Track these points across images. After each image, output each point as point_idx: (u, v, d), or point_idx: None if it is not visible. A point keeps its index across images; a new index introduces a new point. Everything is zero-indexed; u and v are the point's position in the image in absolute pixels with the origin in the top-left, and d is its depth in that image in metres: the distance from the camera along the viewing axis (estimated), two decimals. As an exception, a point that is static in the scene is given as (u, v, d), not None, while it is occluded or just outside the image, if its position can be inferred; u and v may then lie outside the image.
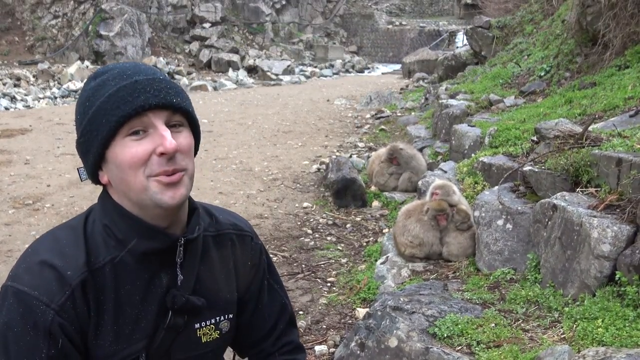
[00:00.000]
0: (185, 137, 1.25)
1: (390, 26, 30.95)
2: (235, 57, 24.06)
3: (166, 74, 1.30)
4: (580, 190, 3.12)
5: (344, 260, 4.63)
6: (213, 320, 1.39)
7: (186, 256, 1.32)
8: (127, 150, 1.19)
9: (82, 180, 1.33)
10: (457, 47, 19.50)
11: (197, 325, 1.36)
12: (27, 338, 1.16)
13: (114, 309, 1.24)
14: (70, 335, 1.19)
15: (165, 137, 1.19)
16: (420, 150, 6.94)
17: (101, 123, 1.19)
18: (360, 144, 9.09)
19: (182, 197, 1.24)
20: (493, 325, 2.56)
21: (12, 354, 1.16)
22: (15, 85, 17.07)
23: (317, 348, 3.25)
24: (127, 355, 1.27)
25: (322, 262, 4.60)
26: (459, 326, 2.55)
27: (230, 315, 1.44)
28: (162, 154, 1.19)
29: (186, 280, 1.33)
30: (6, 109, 14.08)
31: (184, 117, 1.26)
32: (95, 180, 1.29)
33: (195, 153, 1.35)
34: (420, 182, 5.14)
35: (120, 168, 1.21)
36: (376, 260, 4.23)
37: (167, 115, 1.22)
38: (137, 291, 1.27)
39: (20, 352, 1.16)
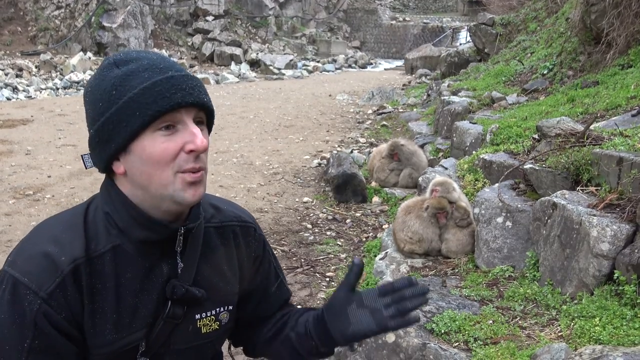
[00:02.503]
0: (206, 136, 1.27)
1: (393, 22, 30.85)
2: (237, 51, 24.02)
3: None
4: (581, 189, 3.12)
5: (343, 256, 4.63)
6: (213, 312, 1.39)
7: (187, 246, 1.32)
8: (158, 144, 1.18)
9: (86, 168, 1.31)
10: (460, 44, 19.44)
11: (197, 316, 1.36)
12: (13, 326, 1.15)
13: (114, 297, 1.24)
14: (58, 324, 1.18)
15: (196, 134, 1.20)
16: (422, 146, 6.93)
17: (134, 115, 1.17)
18: (362, 140, 9.09)
19: (201, 195, 1.27)
20: (491, 322, 2.57)
21: None
22: (17, 76, 17.06)
23: (315, 342, 3.26)
24: (127, 344, 1.26)
25: (321, 257, 4.61)
26: (457, 322, 2.55)
27: (230, 307, 1.44)
28: (191, 151, 1.20)
29: (186, 271, 1.33)
30: (8, 99, 14.08)
31: (205, 115, 1.28)
32: (106, 169, 1.27)
33: None
34: (420, 179, 5.14)
35: (147, 162, 1.19)
36: (375, 256, 4.23)
37: (195, 112, 1.23)
38: (137, 280, 1.26)
39: (4, 339, 1.15)
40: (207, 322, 1.38)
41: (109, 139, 1.21)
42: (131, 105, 1.17)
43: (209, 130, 1.33)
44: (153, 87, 1.18)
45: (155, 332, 1.29)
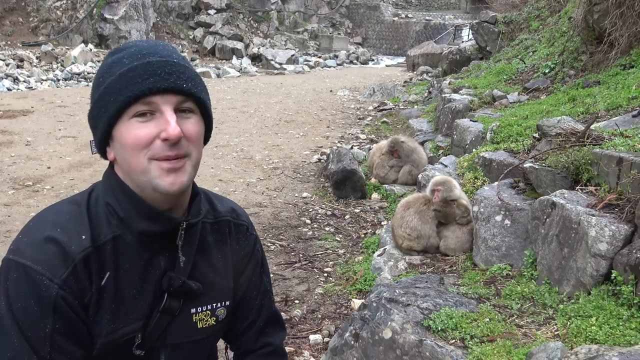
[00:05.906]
0: (193, 124, 1.23)
1: (395, 18, 30.77)
2: (239, 45, 23.97)
3: (184, 56, 1.27)
4: (580, 189, 3.12)
5: (341, 251, 4.63)
6: (209, 307, 1.39)
7: (185, 240, 1.32)
8: (132, 131, 1.18)
9: (92, 153, 1.32)
10: (462, 42, 19.41)
11: (193, 311, 1.36)
12: (32, 312, 1.15)
13: (113, 287, 1.24)
14: (75, 309, 1.19)
15: (169, 122, 1.17)
16: (422, 143, 6.92)
17: (109, 101, 1.19)
18: (362, 136, 9.08)
19: (181, 184, 1.22)
20: (487, 320, 2.57)
21: (20, 327, 1.15)
22: (18, 67, 17.03)
23: (312, 337, 3.26)
24: (123, 335, 1.26)
25: (319, 252, 4.61)
26: (454, 320, 2.56)
27: (227, 303, 1.44)
28: (165, 139, 1.18)
29: (184, 264, 1.33)
30: (8, 89, 14.06)
31: (195, 103, 1.24)
32: (103, 155, 1.29)
33: (206, 141, 1.34)
34: (420, 176, 5.14)
35: (124, 148, 1.20)
36: (373, 252, 4.24)
37: (176, 100, 1.20)
38: (135, 271, 1.26)
39: (26, 324, 1.15)
40: (203, 316, 1.38)
41: (96, 125, 1.24)
42: (109, 91, 1.19)
43: (206, 119, 1.29)
44: (128, 72, 1.18)
45: (152, 325, 1.29)
